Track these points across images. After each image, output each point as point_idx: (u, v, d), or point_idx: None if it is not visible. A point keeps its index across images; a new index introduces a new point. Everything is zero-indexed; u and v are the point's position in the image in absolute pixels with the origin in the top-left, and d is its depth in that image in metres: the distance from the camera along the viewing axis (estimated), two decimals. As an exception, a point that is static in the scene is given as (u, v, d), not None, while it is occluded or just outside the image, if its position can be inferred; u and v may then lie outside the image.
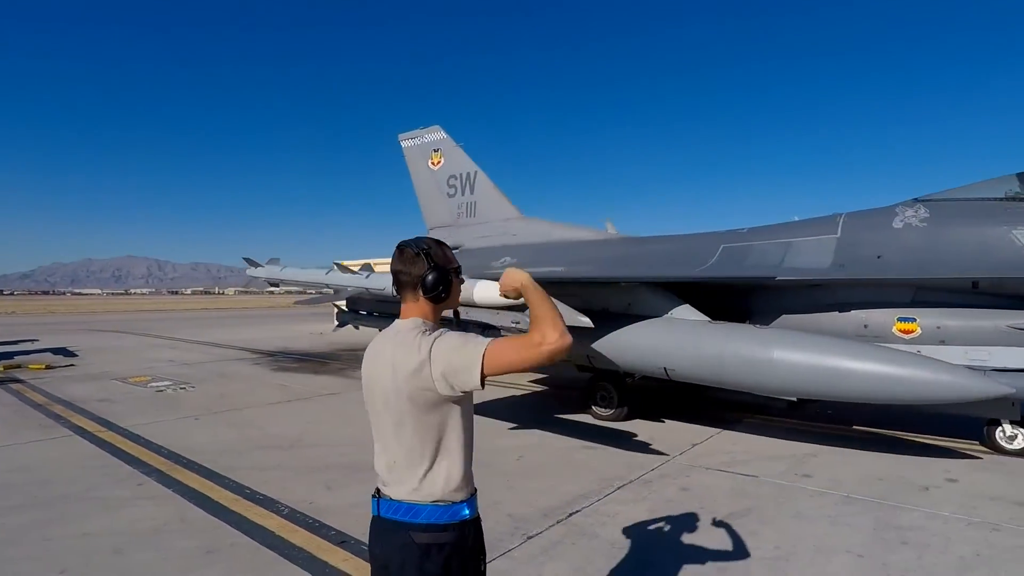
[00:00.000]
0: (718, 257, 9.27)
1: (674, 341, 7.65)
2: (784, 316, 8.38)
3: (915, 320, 7.57)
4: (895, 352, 6.79)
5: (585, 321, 7.90)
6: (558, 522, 5.35)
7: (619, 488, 6.27)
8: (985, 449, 7.63)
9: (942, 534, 5.10)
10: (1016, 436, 7.45)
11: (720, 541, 4.97)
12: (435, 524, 2.13)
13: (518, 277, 2.26)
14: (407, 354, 2.15)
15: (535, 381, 13.24)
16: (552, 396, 11.81)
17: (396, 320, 2.39)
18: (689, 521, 5.38)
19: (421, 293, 2.29)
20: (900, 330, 7.66)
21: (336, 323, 12.72)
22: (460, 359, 2.08)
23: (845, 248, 8.16)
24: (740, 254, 9.13)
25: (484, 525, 2.36)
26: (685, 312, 8.05)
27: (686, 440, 8.16)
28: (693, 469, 6.95)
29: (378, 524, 2.23)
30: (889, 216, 8.16)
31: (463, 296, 2.65)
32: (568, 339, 2.07)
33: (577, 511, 5.61)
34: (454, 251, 2.54)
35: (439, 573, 2.10)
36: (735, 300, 8.71)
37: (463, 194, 14.91)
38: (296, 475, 6.68)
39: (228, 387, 12.59)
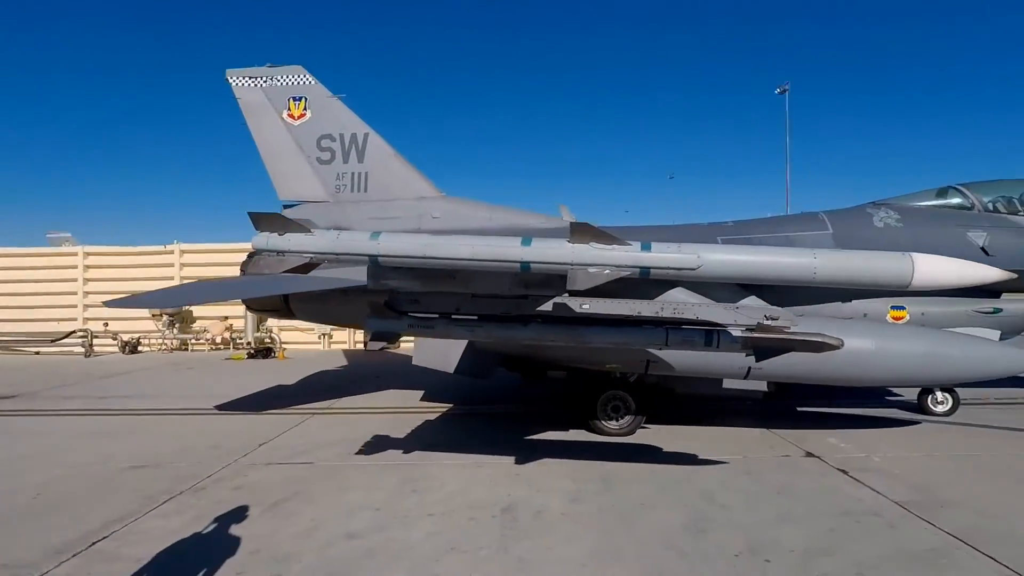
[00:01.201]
0: None
1: None
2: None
3: (904, 308, 8.67)
4: (982, 339, 7.95)
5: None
6: (74, 555, 4.81)
7: (165, 502, 5.99)
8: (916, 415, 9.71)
9: (441, 478, 6.63)
10: (945, 401, 9.76)
11: (260, 528, 5.33)
12: None
13: None
14: None
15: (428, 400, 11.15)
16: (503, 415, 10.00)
17: None
18: (235, 516, 5.56)
19: None
20: (893, 317, 8.70)
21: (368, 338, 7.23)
22: None
23: (847, 244, 8.64)
24: None
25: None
26: (754, 303, 7.28)
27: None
28: (252, 468, 7.14)
29: None
30: (866, 216, 9.43)
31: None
32: None
33: (105, 537, 5.15)
34: None
35: None
36: (744, 296, 7.81)
37: (346, 162, 11.44)
38: None
39: None
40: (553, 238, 5.97)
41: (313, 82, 11.78)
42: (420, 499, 6.00)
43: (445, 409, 10.48)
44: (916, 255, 5.51)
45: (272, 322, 21.29)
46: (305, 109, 11.70)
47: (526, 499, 5.97)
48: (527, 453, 7.46)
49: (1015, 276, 6.44)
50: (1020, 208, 9.43)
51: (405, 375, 13.47)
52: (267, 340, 20.46)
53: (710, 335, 5.99)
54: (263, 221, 5.91)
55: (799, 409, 10.17)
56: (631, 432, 8.44)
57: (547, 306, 6.16)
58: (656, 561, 4.67)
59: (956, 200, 9.83)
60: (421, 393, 11.85)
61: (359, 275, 8.03)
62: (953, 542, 5.00)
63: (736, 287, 7.12)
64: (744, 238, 9.16)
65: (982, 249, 8.77)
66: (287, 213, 11.15)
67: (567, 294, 6.08)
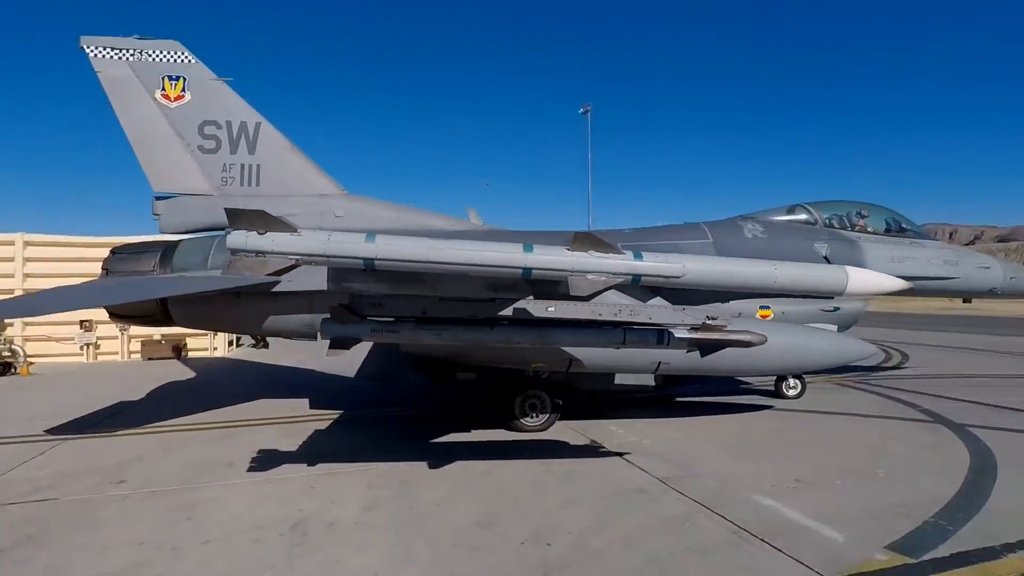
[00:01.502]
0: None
1: None
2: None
3: (770, 308, 9.87)
4: (835, 333, 9.94)
5: None
6: None
7: None
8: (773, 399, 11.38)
9: (224, 500, 6.04)
10: (796, 386, 11.62)
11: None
12: None
13: None
14: None
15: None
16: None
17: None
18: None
19: None
20: (761, 315, 9.87)
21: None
22: None
23: (724, 251, 9.60)
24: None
25: None
26: (662, 303, 7.89)
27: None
28: (-31, 512, 5.79)
29: None
30: (737, 227, 10.99)
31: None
32: None
33: None
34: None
35: None
36: (643, 296, 8.26)
37: (234, 152, 10.50)
38: None
39: None
40: (551, 245, 6.02)
41: (193, 61, 10.51)
42: (195, 526, 5.39)
43: (335, 416, 9.90)
44: (850, 268, 6.43)
45: (14, 331, 17.57)
46: (184, 90, 10.50)
47: (319, 512, 5.71)
48: (327, 463, 7.15)
49: (911, 286, 7.74)
50: (848, 224, 11.64)
51: (288, 387, 12.34)
52: (6, 353, 16.78)
53: (661, 334, 6.63)
54: (241, 218, 5.15)
55: (677, 400, 11.40)
56: (547, 428, 8.93)
57: (509, 310, 6.53)
58: (448, 559, 4.78)
59: (803, 216, 11.68)
60: (306, 402, 11.07)
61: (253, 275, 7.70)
62: (697, 507, 5.89)
63: (645, 288, 7.43)
64: (641, 244, 9.84)
65: (824, 258, 10.71)
66: (161, 206, 10.26)
67: (532, 297, 6.45)
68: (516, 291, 6.53)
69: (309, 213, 10.33)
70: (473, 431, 8.92)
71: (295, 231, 5.41)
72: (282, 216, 9.81)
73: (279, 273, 5.77)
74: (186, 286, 8.99)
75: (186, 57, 10.58)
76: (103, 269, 10.02)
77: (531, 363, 8.50)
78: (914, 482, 6.75)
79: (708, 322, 6.62)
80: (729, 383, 12.71)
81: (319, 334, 6.68)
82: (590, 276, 5.87)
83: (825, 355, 9.33)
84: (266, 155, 10.65)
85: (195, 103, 10.52)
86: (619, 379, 8.96)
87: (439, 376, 9.40)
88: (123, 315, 10.24)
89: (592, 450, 8.02)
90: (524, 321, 6.59)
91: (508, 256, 5.81)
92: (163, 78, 10.52)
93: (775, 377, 11.60)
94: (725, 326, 6.74)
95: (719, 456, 7.74)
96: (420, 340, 6.68)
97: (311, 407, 10.76)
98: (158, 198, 10.32)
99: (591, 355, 7.94)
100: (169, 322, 9.95)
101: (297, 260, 5.51)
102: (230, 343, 20.70)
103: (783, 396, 11.62)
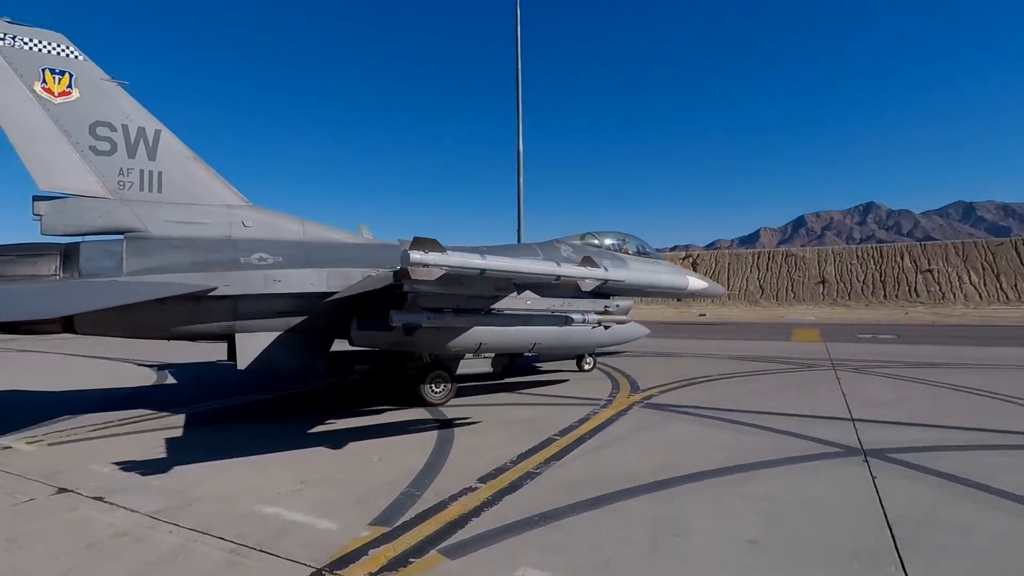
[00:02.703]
0: None
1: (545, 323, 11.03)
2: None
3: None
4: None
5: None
6: None
7: None
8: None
9: None
10: (592, 362, 16.84)
11: None
12: None
13: None
14: None
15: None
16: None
17: None
18: None
19: None
20: None
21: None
22: None
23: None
24: None
25: None
26: (532, 295, 10.75)
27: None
28: None
29: None
30: (556, 248, 15.23)
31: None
32: None
33: None
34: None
35: None
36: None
37: (132, 156, 10.20)
38: None
39: None
40: (571, 263, 10.77)
41: (81, 57, 10.06)
42: None
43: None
44: (688, 275, 10.09)
45: None
46: (71, 87, 9.80)
47: None
48: None
49: (708, 286, 14.88)
50: (618, 248, 16.47)
51: None
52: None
53: (584, 319, 10.53)
54: (418, 243, 7.78)
55: (508, 380, 15.08)
56: (448, 400, 12.26)
57: (506, 303, 9.99)
58: None
59: (594, 241, 16.14)
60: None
61: (192, 280, 9.65)
62: (192, 536, 5.47)
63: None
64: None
65: (605, 269, 15.68)
66: (43, 206, 9.52)
67: (515, 294, 9.87)
68: (508, 291, 9.61)
69: (218, 222, 10.74)
70: None
71: (445, 251, 7.88)
72: (189, 222, 10.46)
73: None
74: (133, 292, 9.17)
75: (72, 52, 9.94)
76: None
77: (453, 348, 10.47)
78: (398, 460, 8.08)
79: (607, 309, 11.14)
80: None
81: (391, 320, 8.97)
82: (587, 281, 9.34)
83: (627, 335, 13.14)
84: (168, 163, 10.46)
85: (85, 102, 9.94)
86: (462, 368, 12.41)
87: (340, 369, 12.13)
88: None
89: (58, 500, 6.50)
90: (514, 311, 10.25)
91: (553, 269, 9.21)
92: (44, 70, 9.75)
93: (577, 356, 16.37)
94: (614, 312, 11.06)
95: (221, 473, 7.45)
96: (457, 324, 9.37)
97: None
98: (39, 198, 9.62)
99: (498, 338, 10.42)
100: (63, 330, 9.42)
101: (447, 270, 7.80)
102: None
103: (582, 370, 16.34)
